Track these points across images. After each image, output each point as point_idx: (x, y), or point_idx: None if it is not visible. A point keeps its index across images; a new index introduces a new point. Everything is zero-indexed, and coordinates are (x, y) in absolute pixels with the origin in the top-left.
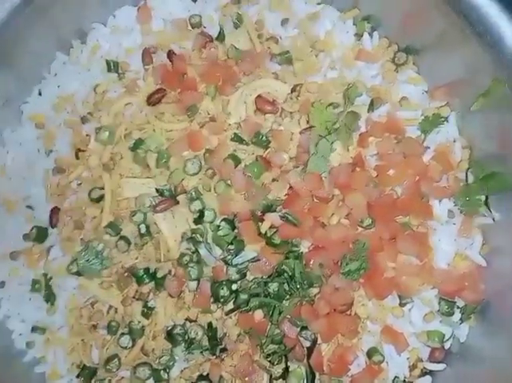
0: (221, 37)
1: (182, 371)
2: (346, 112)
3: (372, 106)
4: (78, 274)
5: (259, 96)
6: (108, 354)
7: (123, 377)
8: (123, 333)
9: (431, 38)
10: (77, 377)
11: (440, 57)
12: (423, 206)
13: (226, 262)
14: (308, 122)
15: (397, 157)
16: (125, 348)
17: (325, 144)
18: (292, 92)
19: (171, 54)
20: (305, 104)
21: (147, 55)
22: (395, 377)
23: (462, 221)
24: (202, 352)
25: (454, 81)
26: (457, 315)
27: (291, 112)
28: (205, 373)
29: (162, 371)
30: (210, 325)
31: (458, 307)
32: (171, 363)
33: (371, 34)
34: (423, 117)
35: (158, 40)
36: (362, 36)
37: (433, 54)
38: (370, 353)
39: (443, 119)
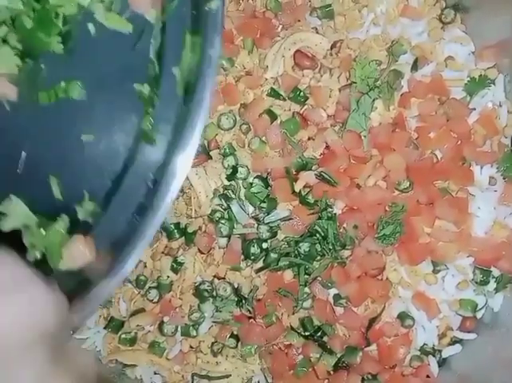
0: None
1: (209, 328)
2: (389, 70)
3: (415, 65)
4: None
5: (298, 51)
6: (136, 307)
7: (149, 331)
8: (151, 287)
9: None
10: (105, 328)
11: (491, 16)
12: (463, 171)
13: (258, 220)
14: (348, 79)
15: (440, 119)
16: (152, 301)
17: (367, 100)
18: (332, 48)
19: None
20: (346, 61)
21: None
22: (424, 344)
23: (504, 188)
24: (230, 311)
25: (505, 42)
26: (492, 284)
27: (330, 69)
28: (234, 332)
29: (191, 327)
30: (238, 285)
31: (493, 277)
32: (201, 320)
33: None
34: (468, 78)
35: None
36: None
37: (483, 12)
38: (400, 318)
39: (489, 81)
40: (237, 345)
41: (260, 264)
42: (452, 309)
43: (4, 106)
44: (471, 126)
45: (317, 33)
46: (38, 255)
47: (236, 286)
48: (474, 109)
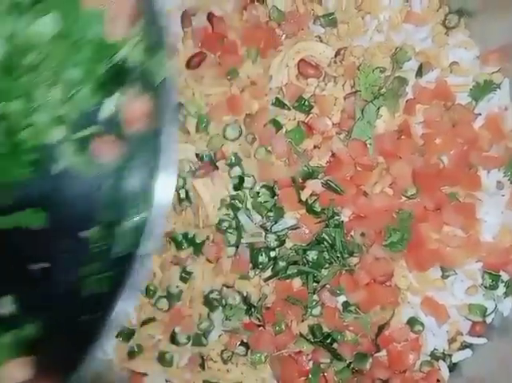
0: None
1: (219, 336)
2: (393, 77)
3: (420, 71)
4: None
5: (302, 60)
6: (146, 316)
7: (159, 340)
8: (160, 297)
9: None
10: (116, 337)
11: (495, 20)
12: (470, 176)
13: (266, 229)
14: (352, 87)
15: (445, 125)
16: (162, 310)
17: (372, 109)
18: (336, 55)
19: (211, 16)
20: (350, 69)
21: (186, 17)
22: (434, 349)
23: None
24: (239, 320)
25: (509, 46)
26: (501, 289)
27: (335, 77)
28: (244, 340)
29: (202, 336)
30: (247, 293)
31: (502, 281)
32: (211, 328)
33: None
34: (474, 83)
35: (198, 2)
36: None
37: (487, 16)
38: (410, 323)
39: (495, 85)
40: (247, 353)
41: (268, 273)
42: (462, 314)
43: None
44: (477, 131)
45: (321, 41)
46: None
47: (245, 295)
48: (480, 114)
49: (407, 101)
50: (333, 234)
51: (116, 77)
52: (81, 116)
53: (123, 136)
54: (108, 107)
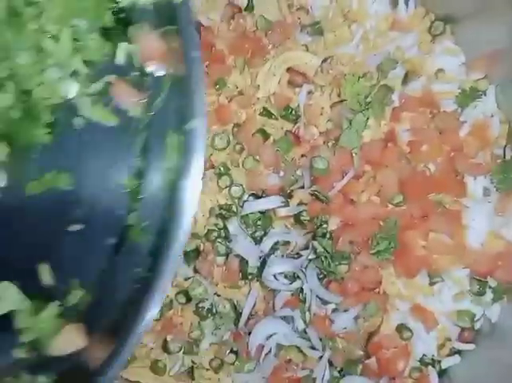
0: (250, 7)
1: (210, 345)
2: (379, 86)
3: (406, 79)
4: None
5: (290, 69)
6: None
7: (152, 348)
8: None
9: (472, 5)
10: None
11: (481, 26)
12: (457, 183)
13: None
14: (339, 96)
15: (431, 132)
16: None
17: (361, 118)
18: (322, 63)
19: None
20: (337, 77)
21: None
22: (423, 355)
23: (499, 199)
24: (229, 329)
25: (496, 52)
26: (489, 295)
27: (321, 86)
28: (234, 349)
29: (193, 344)
30: (237, 301)
31: (490, 287)
32: (202, 337)
33: (406, 2)
34: (459, 91)
35: None
36: (397, 4)
37: (473, 22)
38: (399, 330)
39: (480, 92)
40: (236, 361)
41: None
42: (450, 321)
43: None
44: (463, 138)
45: (307, 50)
46: (31, 338)
47: (235, 303)
48: (466, 122)
49: (393, 109)
50: (322, 243)
51: (125, 21)
52: (94, 67)
53: (142, 80)
54: (122, 52)
